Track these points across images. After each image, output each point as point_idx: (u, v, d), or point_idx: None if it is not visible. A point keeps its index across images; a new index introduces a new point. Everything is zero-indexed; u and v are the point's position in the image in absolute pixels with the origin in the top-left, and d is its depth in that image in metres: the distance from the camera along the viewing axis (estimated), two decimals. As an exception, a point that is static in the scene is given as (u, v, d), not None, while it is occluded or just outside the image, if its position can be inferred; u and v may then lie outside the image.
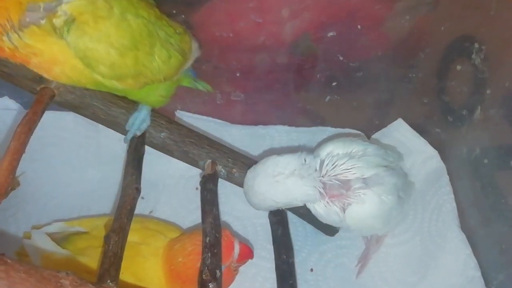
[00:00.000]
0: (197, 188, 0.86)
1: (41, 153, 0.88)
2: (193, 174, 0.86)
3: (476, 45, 0.71)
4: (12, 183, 0.49)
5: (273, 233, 0.72)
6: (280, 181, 0.63)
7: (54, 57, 0.52)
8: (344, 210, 0.64)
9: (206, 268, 0.55)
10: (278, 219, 0.73)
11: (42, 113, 0.56)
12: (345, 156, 0.65)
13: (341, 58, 0.81)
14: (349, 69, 0.82)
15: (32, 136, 0.86)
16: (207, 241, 0.59)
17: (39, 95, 0.58)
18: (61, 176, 0.89)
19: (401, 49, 0.82)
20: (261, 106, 0.88)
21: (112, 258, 0.48)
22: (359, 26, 0.77)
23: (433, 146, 0.85)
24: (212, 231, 0.60)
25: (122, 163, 0.88)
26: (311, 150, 0.69)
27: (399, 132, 0.88)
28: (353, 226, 0.66)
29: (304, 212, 0.74)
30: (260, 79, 0.85)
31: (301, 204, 0.67)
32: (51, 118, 0.88)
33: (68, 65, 0.53)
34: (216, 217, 0.63)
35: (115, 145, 0.88)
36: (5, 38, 0.49)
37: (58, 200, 0.87)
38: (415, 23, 0.78)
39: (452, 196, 0.79)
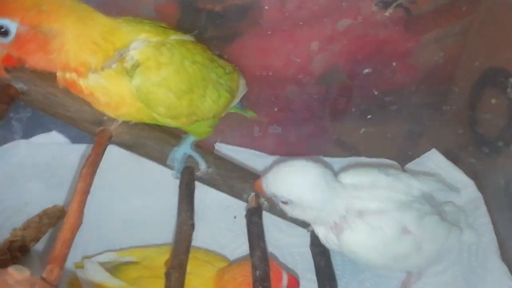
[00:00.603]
0: (235, 217, 0.89)
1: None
2: (230, 203, 0.88)
3: (511, 80, 0.73)
4: (81, 223, 0.52)
5: (316, 265, 0.74)
6: (329, 186, 0.63)
7: (122, 98, 0.57)
8: (338, 238, 0.65)
9: (258, 301, 0.57)
10: (320, 250, 0.74)
11: (103, 153, 0.60)
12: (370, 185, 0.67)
13: (376, 93, 0.83)
14: (383, 103, 0.84)
15: (77, 167, 0.92)
16: (257, 274, 0.61)
17: (98, 137, 0.62)
18: (106, 207, 0.92)
19: (433, 81, 0.84)
20: (297, 137, 0.91)
21: (175, 295, 0.50)
22: (393, 63, 0.79)
23: (468, 176, 0.86)
24: (261, 265, 0.62)
25: (165, 192, 0.91)
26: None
27: (433, 162, 0.90)
28: (349, 255, 0.67)
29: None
30: (296, 112, 0.88)
31: (310, 220, 0.66)
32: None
33: (134, 106, 0.58)
34: (264, 250, 0.66)
35: (158, 175, 0.91)
36: (86, 77, 0.54)
37: (103, 230, 0.89)
38: (444, 55, 0.80)
39: (491, 226, 0.79)
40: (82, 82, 0.55)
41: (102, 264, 0.73)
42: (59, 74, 0.56)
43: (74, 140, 0.93)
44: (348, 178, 0.68)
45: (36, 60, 0.53)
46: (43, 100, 0.59)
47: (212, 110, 0.64)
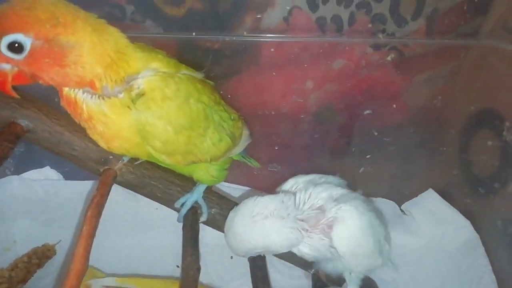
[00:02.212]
0: (231, 257, 0.88)
1: (78, 220, 0.89)
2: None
3: (507, 123, 0.76)
4: (87, 268, 0.49)
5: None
6: (258, 221, 0.61)
7: (120, 131, 0.55)
8: (329, 236, 0.63)
9: None
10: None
11: (108, 194, 0.58)
12: (309, 183, 0.67)
13: (375, 133, 0.85)
14: (383, 143, 0.86)
15: (70, 204, 0.89)
16: (263, 320, 0.59)
17: (103, 176, 0.60)
18: (96, 244, 0.89)
19: (426, 122, 0.86)
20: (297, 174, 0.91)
21: None
22: (394, 105, 0.81)
23: (465, 216, 0.87)
24: (267, 310, 0.60)
25: (158, 232, 0.90)
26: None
27: (430, 202, 0.91)
28: (345, 250, 0.63)
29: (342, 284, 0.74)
30: (295, 150, 0.88)
31: (282, 251, 0.64)
32: (90, 188, 0.90)
33: (131, 141, 0.56)
34: (269, 294, 0.64)
35: (152, 214, 0.89)
36: (91, 99, 0.53)
37: (93, 268, 0.86)
38: (435, 96, 0.83)
39: (490, 267, 0.80)
40: (85, 105, 0.53)
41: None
42: (66, 91, 0.53)
43: (67, 176, 0.91)
44: (289, 184, 0.69)
45: (50, 76, 0.50)
46: (50, 139, 0.58)
47: (210, 152, 0.62)
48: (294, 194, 0.65)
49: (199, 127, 0.59)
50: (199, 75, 0.63)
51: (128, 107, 0.53)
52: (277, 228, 0.61)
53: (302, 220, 0.63)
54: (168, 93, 0.55)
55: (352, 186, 0.73)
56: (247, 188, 0.92)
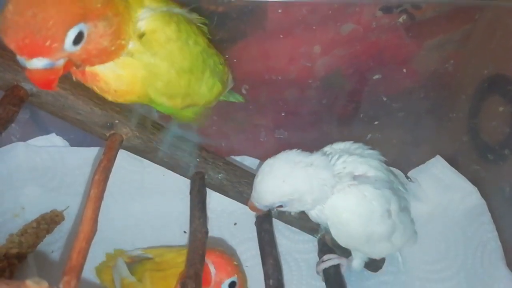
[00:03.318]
0: (235, 224, 0.88)
1: (85, 187, 0.89)
2: (233, 209, 0.88)
3: (520, 89, 0.74)
4: (95, 231, 0.50)
5: (325, 272, 0.73)
6: (301, 167, 0.63)
7: (130, 87, 0.53)
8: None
9: (273, 312, 0.56)
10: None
11: (115, 158, 0.58)
12: (345, 152, 0.67)
13: (384, 99, 0.84)
14: (391, 109, 0.85)
15: (77, 171, 0.89)
16: (270, 283, 0.60)
17: (110, 141, 0.60)
18: (104, 210, 0.90)
19: (437, 88, 0.85)
20: (303, 142, 0.90)
21: (193, 305, 0.49)
22: (395, 68, 0.80)
23: (472, 183, 0.87)
24: (275, 274, 0.61)
25: (164, 197, 0.90)
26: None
27: (437, 169, 0.90)
28: (331, 220, 0.65)
29: (349, 251, 0.75)
30: (303, 116, 0.87)
31: (309, 205, 0.65)
32: (96, 154, 0.90)
33: (139, 93, 0.54)
34: (276, 258, 0.65)
35: (158, 180, 0.90)
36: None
37: (101, 234, 0.87)
38: (446, 61, 0.81)
39: (496, 234, 0.80)
40: (103, 75, 0.51)
41: (132, 257, 0.77)
42: (92, 68, 0.50)
43: (73, 143, 0.90)
44: (323, 151, 0.69)
45: (101, 58, 0.49)
46: (53, 102, 0.57)
47: (205, 97, 0.62)
48: (329, 157, 0.66)
49: (198, 70, 0.58)
50: (192, 15, 0.60)
51: (133, 56, 0.51)
52: (318, 177, 0.63)
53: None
54: (170, 33, 0.53)
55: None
56: (253, 158, 0.91)
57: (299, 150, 0.65)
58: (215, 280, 0.58)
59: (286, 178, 0.62)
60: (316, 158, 0.65)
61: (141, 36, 0.51)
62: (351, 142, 0.71)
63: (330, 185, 0.63)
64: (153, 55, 0.52)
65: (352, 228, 0.65)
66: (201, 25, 0.62)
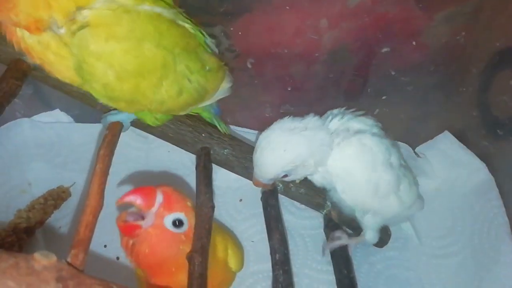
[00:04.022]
0: (241, 200, 0.89)
1: (91, 163, 0.89)
2: (239, 186, 0.87)
3: (532, 62, 0.72)
4: (102, 205, 0.50)
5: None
6: (297, 132, 0.63)
7: (61, 71, 0.51)
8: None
9: (280, 285, 0.56)
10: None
11: (120, 133, 0.58)
12: (339, 114, 0.68)
13: (392, 73, 0.82)
14: (400, 83, 0.83)
15: (82, 147, 0.89)
16: (277, 258, 0.60)
17: (114, 116, 0.59)
18: (111, 187, 0.90)
19: (447, 62, 0.83)
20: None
21: (199, 279, 0.49)
22: (414, 43, 0.78)
23: (481, 159, 0.86)
24: (281, 248, 0.61)
25: (170, 174, 0.90)
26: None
27: (445, 144, 0.89)
28: (336, 174, 0.65)
29: (355, 226, 0.75)
30: (309, 92, 0.86)
31: (312, 169, 0.65)
32: (100, 130, 0.90)
33: (76, 81, 0.51)
34: (282, 232, 0.65)
35: (163, 157, 0.90)
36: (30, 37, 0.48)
37: (108, 210, 0.88)
38: (457, 34, 0.79)
39: (503, 209, 0.79)
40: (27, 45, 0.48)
41: None
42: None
43: (78, 119, 0.90)
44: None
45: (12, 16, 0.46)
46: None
47: (165, 104, 0.56)
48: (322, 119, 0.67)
49: (152, 76, 0.52)
50: (171, 13, 0.54)
51: (66, 44, 0.47)
52: (315, 138, 0.63)
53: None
54: (117, 32, 0.48)
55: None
56: (257, 131, 0.91)
57: (290, 117, 0.65)
58: (159, 209, 0.52)
59: (286, 146, 0.62)
60: (309, 121, 0.65)
61: (81, 27, 0.47)
62: (344, 108, 0.71)
63: (328, 144, 0.64)
64: (89, 53, 0.47)
65: (358, 177, 0.65)
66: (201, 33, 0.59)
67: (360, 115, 0.70)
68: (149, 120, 0.61)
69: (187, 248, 0.53)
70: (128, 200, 0.51)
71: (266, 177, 0.65)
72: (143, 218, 0.52)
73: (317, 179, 0.68)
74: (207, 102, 0.65)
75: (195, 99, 0.59)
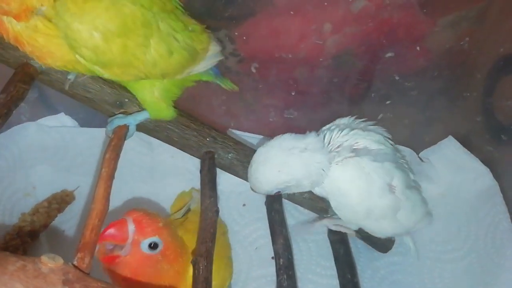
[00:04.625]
0: (244, 205, 0.88)
1: (96, 167, 0.90)
2: (242, 190, 0.87)
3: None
4: (107, 208, 0.50)
5: (335, 252, 0.73)
6: (296, 153, 0.62)
7: (49, 51, 0.50)
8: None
9: (284, 290, 0.56)
10: (339, 238, 0.74)
11: (125, 137, 0.58)
12: (346, 127, 0.67)
13: (396, 78, 0.82)
14: (404, 88, 0.83)
15: (87, 151, 0.90)
16: (281, 263, 0.60)
17: (119, 119, 0.59)
18: (115, 192, 0.90)
19: (451, 67, 0.83)
20: (313, 123, 0.90)
21: (204, 283, 0.49)
22: (418, 48, 0.78)
23: (485, 164, 0.86)
24: (285, 253, 0.61)
25: (173, 179, 0.90)
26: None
27: (449, 149, 0.89)
28: (330, 192, 0.65)
29: (358, 231, 0.75)
30: (313, 96, 0.86)
31: (307, 187, 0.65)
32: (103, 134, 0.90)
33: (64, 59, 0.51)
34: (286, 237, 0.65)
35: (168, 162, 0.90)
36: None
37: (112, 215, 0.88)
38: (461, 39, 0.79)
39: (508, 215, 0.79)
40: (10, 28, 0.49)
41: None
42: None
43: (83, 123, 0.90)
44: (326, 127, 0.69)
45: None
46: (63, 80, 0.57)
47: (158, 66, 0.55)
48: (330, 132, 0.65)
49: (136, 34, 0.52)
50: None
51: (51, 20, 0.48)
52: (313, 161, 0.62)
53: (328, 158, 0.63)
54: None
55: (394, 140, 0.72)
56: (261, 136, 0.91)
57: (292, 134, 0.65)
58: (133, 238, 0.55)
59: (282, 167, 0.62)
60: (310, 141, 0.64)
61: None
62: (354, 117, 0.70)
63: (325, 167, 0.63)
64: (70, 18, 0.48)
65: (351, 201, 0.65)
66: None
67: (370, 125, 0.69)
68: (150, 102, 0.60)
69: (165, 266, 0.56)
70: (104, 241, 0.53)
71: (259, 192, 0.65)
72: (121, 248, 0.54)
73: (316, 190, 0.67)
74: (202, 67, 0.64)
75: (187, 59, 0.59)
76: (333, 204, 0.67)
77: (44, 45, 0.50)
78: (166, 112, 0.62)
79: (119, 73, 0.54)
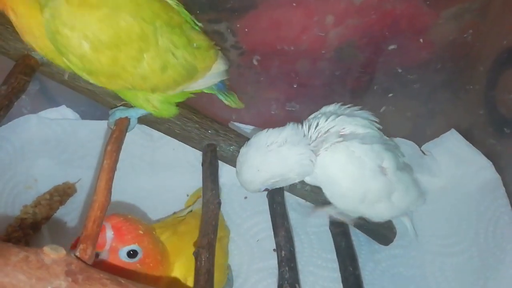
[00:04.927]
0: (245, 197, 0.88)
1: (97, 160, 0.90)
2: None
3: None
4: (109, 200, 0.50)
5: (337, 245, 0.73)
6: (274, 149, 0.60)
7: (30, 27, 0.48)
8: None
9: (286, 282, 0.56)
10: (341, 231, 0.74)
11: (126, 129, 0.58)
12: (332, 114, 0.65)
13: (399, 70, 0.82)
14: (406, 81, 0.83)
15: (88, 144, 0.89)
16: (283, 255, 0.60)
17: (121, 112, 0.59)
18: (116, 184, 0.90)
19: (454, 59, 0.82)
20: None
21: (206, 275, 0.49)
22: (421, 40, 0.77)
23: (487, 157, 0.85)
24: (287, 245, 0.61)
25: (174, 171, 0.90)
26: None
27: (452, 143, 0.89)
28: (322, 181, 0.63)
29: (360, 223, 0.75)
30: (315, 89, 0.86)
31: (296, 179, 0.64)
32: (107, 127, 0.90)
33: (43, 44, 0.49)
34: (288, 230, 0.65)
35: (169, 154, 0.90)
36: None
37: (113, 206, 0.88)
38: (464, 32, 0.79)
39: (510, 208, 0.79)
40: None
41: None
42: None
43: (84, 115, 0.90)
44: (312, 116, 0.67)
45: None
46: (64, 72, 0.56)
47: (148, 80, 0.53)
48: (311, 123, 0.64)
49: (129, 48, 0.50)
50: None
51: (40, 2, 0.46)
52: (292, 154, 0.61)
53: (311, 149, 0.62)
54: (91, 0, 0.46)
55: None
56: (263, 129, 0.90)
57: (269, 130, 0.63)
58: (111, 245, 0.52)
59: (260, 165, 0.61)
60: (288, 133, 0.62)
61: None
62: (340, 103, 0.69)
63: (307, 157, 0.61)
64: (61, 24, 0.46)
65: (344, 187, 0.63)
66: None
67: (357, 111, 0.68)
68: (148, 109, 0.59)
69: (143, 275, 0.54)
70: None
71: (248, 190, 0.65)
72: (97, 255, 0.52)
73: (307, 179, 0.66)
74: (201, 85, 0.62)
75: (182, 76, 0.57)
76: (327, 193, 0.65)
77: (25, 17, 0.48)
78: (167, 113, 0.61)
79: (105, 82, 0.53)
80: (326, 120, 0.64)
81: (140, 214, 0.86)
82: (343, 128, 0.64)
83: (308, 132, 0.63)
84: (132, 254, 0.53)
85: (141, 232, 0.55)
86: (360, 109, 0.69)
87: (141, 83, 0.53)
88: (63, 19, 0.46)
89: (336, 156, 0.62)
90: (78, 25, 0.46)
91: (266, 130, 0.63)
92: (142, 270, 0.54)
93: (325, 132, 0.63)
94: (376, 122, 0.69)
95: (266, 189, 0.65)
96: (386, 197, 0.66)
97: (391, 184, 0.65)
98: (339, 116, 0.65)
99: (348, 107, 0.69)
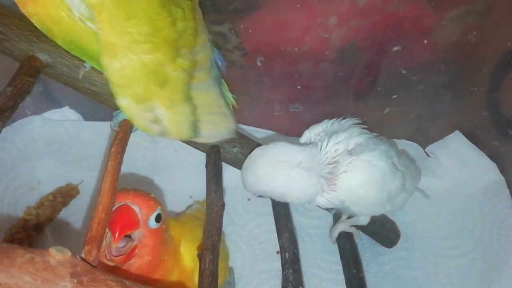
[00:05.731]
0: (249, 199, 0.88)
1: (100, 162, 0.90)
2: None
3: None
4: (114, 202, 0.50)
5: (340, 247, 0.73)
6: (284, 168, 0.59)
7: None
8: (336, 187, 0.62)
9: (290, 284, 0.56)
10: (345, 233, 0.74)
11: (131, 130, 0.58)
12: (328, 133, 0.65)
13: (403, 72, 0.82)
14: (410, 82, 0.83)
15: (91, 145, 0.89)
16: (287, 257, 0.60)
17: (125, 113, 0.59)
18: (118, 185, 0.91)
19: (457, 61, 0.82)
20: (318, 117, 0.89)
21: (210, 276, 0.49)
22: (425, 41, 0.77)
23: (491, 159, 0.85)
24: (291, 247, 0.61)
25: (177, 172, 0.90)
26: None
27: (456, 144, 0.89)
28: (349, 200, 0.63)
29: (364, 226, 0.75)
30: (319, 90, 0.86)
31: (294, 201, 0.64)
32: (108, 128, 0.90)
33: (52, 16, 0.48)
34: (292, 231, 0.65)
35: (171, 155, 0.90)
36: None
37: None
38: (467, 33, 0.79)
39: (514, 210, 0.79)
40: None
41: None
42: None
43: (87, 116, 0.90)
44: (305, 138, 0.67)
45: None
46: (69, 73, 0.56)
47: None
48: (319, 147, 0.63)
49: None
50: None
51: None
52: (300, 180, 0.60)
53: (322, 177, 0.61)
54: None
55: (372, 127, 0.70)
56: (266, 130, 0.90)
57: (288, 145, 0.61)
58: (142, 218, 0.51)
59: (264, 178, 0.60)
60: (305, 157, 0.60)
61: None
62: (326, 121, 0.68)
63: (314, 188, 0.61)
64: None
65: (372, 198, 0.64)
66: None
67: (345, 124, 0.68)
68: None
69: (169, 235, 0.55)
70: (120, 239, 0.49)
71: (250, 191, 0.64)
72: (132, 240, 0.51)
73: (322, 203, 0.64)
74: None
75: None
76: (354, 209, 0.65)
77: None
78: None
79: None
80: (328, 143, 0.63)
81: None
82: (348, 144, 0.63)
83: (320, 158, 0.62)
84: (157, 218, 0.53)
85: (153, 195, 0.55)
86: (343, 119, 0.69)
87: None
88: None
89: (357, 174, 0.62)
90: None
91: (284, 143, 0.62)
92: (167, 232, 0.54)
93: (334, 157, 0.62)
94: (361, 124, 0.69)
95: (260, 196, 0.65)
96: (403, 188, 0.68)
97: (404, 174, 0.67)
98: (335, 134, 0.64)
99: (332, 123, 0.68)
